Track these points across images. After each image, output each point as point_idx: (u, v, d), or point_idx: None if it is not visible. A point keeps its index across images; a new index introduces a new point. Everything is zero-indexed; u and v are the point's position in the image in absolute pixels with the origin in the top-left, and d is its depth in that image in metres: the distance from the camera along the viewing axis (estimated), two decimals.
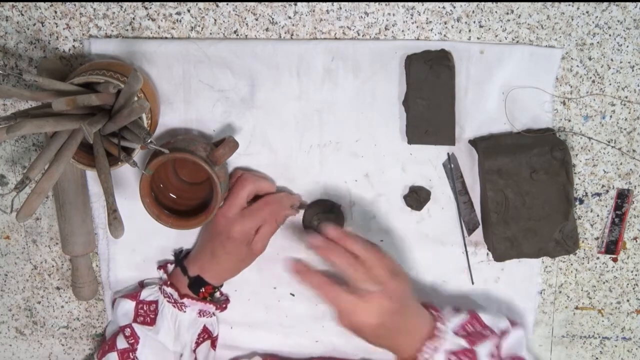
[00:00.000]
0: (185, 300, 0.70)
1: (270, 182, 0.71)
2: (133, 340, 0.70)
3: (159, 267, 0.74)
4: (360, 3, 0.66)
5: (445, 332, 0.65)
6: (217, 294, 0.74)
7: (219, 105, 0.69)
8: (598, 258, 0.75)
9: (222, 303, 0.74)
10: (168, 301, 0.70)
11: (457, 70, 0.67)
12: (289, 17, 0.66)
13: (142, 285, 0.75)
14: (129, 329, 0.71)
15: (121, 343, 0.71)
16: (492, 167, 0.67)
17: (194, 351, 0.74)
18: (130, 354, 0.70)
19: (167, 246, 0.75)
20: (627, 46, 0.67)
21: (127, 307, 0.72)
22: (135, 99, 0.58)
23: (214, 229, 0.70)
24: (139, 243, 0.74)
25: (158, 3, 0.66)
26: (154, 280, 0.75)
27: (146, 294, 0.72)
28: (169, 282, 0.71)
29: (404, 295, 0.64)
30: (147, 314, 0.71)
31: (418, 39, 0.67)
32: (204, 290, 0.71)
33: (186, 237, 0.74)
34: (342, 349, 0.78)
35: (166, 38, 0.67)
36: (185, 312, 0.70)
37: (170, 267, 0.74)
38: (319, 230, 0.66)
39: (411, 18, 0.66)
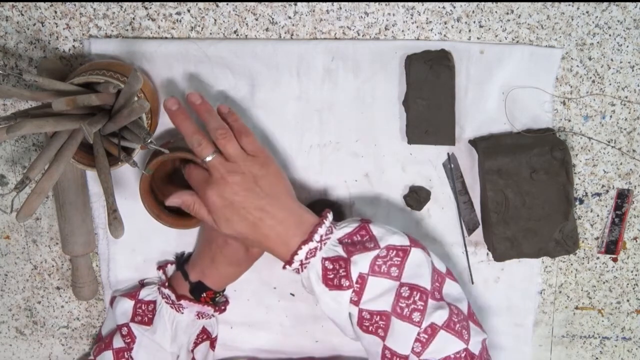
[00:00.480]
0: (182, 301, 0.70)
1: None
2: (129, 340, 0.70)
3: (159, 268, 0.74)
4: (360, 3, 0.66)
5: (322, 236, 0.60)
6: (218, 298, 0.73)
7: (219, 105, 0.69)
8: (598, 258, 0.75)
9: (220, 305, 0.74)
10: (166, 302, 0.70)
11: (457, 70, 0.67)
12: (289, 17, 0.66)
13: (142, 284, 0.75)
14: (126, 328, 0.71)
15: (117, 342, 0.71)
16: (492, 167, 0.67)
17: (192, 351, 0.74)
18: (126, 353, 0.70)
19: (167, 246, 0.75)
20: (627, 46, 0.67)
21: (126, 306, 0.72)
22: (135, 99, 0.58)
23: (210, 235, 0.70)
24: (139, 243, 0.74)
25: (158, 3, 0.66)
26: (154, 280, 0.75)
27: (145, 294, 0.72)
28: (166, 284, 0.71)
29: (264, 182, 0.61)
30: (145, 314, 0.71)
31: (418, 39, 0.67)
32: (205, 295, 0.70)
33: (186, 237, 0.74)
34: (342, 348, 0.78)
35: (166, 38, 0.67)
36: (182, 313, 0.70)
37: (170, 267, 0.74)
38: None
39: (411, 18, 0.66)
